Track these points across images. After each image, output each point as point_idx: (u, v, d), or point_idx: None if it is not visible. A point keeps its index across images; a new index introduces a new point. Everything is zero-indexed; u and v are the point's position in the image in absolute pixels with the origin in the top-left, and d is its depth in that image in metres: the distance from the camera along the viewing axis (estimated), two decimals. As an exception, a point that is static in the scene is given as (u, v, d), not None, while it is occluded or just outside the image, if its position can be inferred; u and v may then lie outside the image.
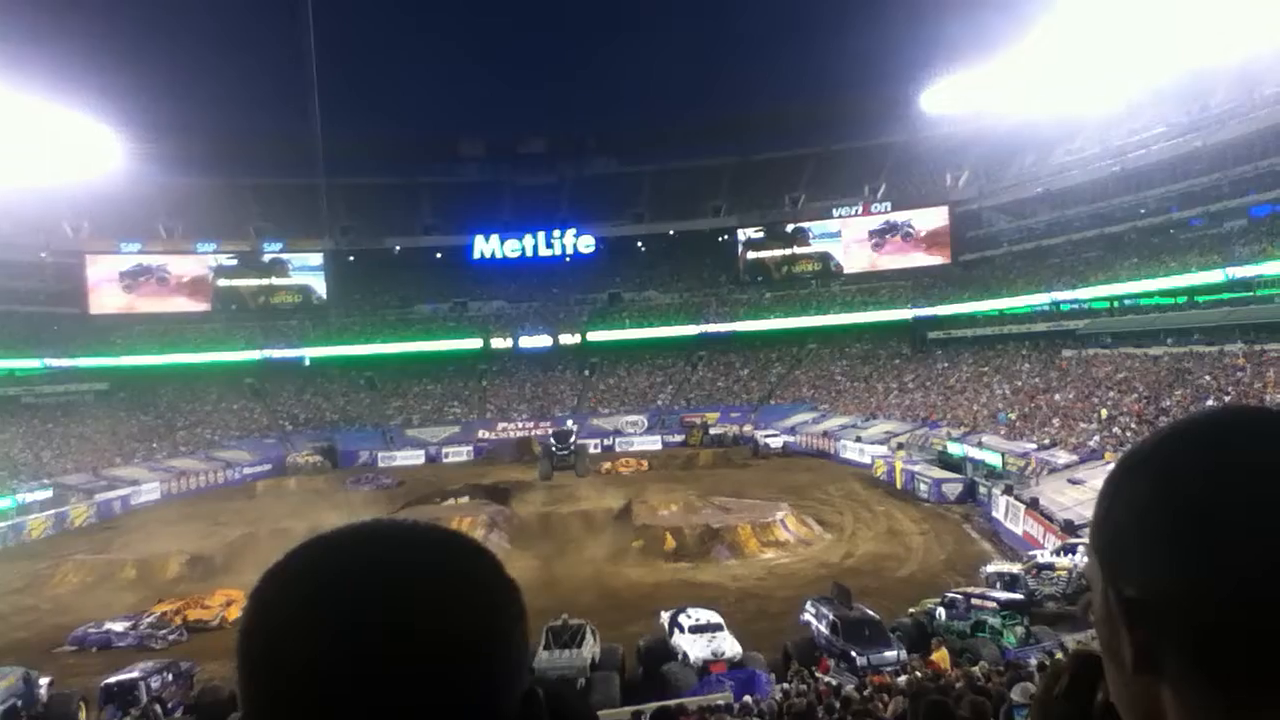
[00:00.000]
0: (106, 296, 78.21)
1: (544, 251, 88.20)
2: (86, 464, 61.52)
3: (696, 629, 23.75)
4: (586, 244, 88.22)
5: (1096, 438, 44.91)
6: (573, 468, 51.64)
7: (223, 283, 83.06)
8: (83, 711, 22.39)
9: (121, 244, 78.52)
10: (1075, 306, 63.99)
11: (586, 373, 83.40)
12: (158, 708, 20.89)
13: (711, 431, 69.54)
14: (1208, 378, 46.56)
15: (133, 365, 74.65)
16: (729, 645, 23.13)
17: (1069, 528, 31.67)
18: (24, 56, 64.84)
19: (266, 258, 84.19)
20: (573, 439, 46.53)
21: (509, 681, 0.96)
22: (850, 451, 59.42)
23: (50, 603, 34.04)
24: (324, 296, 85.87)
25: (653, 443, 70.37)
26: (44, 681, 23.08)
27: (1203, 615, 0.86)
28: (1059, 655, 21.32)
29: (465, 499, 47.51)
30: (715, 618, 24.56)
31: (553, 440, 44.61)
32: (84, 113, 68.13)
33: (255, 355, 79.55)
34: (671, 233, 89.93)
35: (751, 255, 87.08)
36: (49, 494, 53.44)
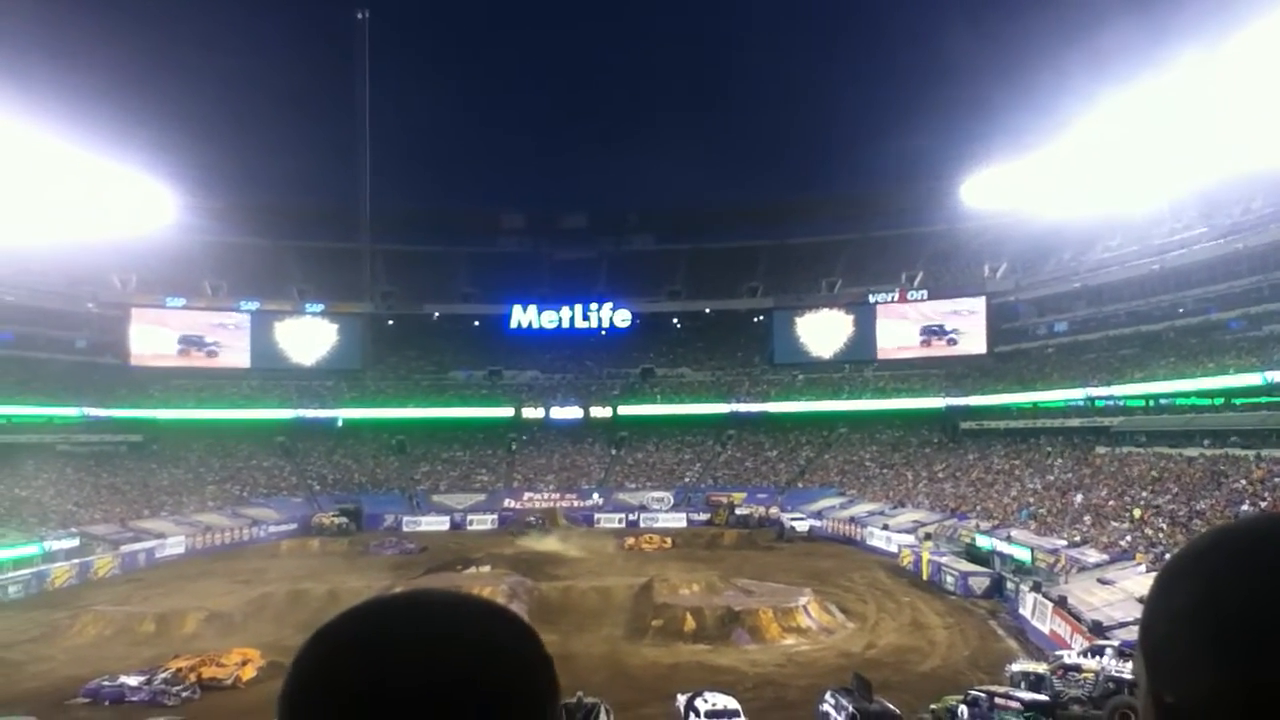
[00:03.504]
0: (149, 349, 79.25)
1: (580, 324, 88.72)
2: (115, 515, 61.98)
3: (712, 714, 23.35)
4: (623, 318, 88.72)
5: (1128, 538, 44.08)
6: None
7: (262, 341, 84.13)
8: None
9: (167, 299, 79.84)
10: (1110, 403, 63.33)
11: (614, 448, 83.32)
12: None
13: (737, 512, 68.96)
14: (1243, 482, 45.70)
15: (168, 419, 75.74)
16: (744, 733, 22.74)
17: (1097, 629, 30.98)
18: (86, 114, 67.07)
19: (307, 318, 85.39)
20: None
21: None
22: (877, 539, 58.68)
23: (66, 653, 34.01)
24: (361, 359, 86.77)
25: (678, 520, 70.00)
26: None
27: None
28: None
29: (487, 568, 47.32)
30: (732, 703, 24.11)
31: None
32: (140, 169, 70.22)
33: (289, 414, 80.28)
34: (707, 311, 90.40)
35: (785, 336, 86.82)
36: (75, 543, 53.60)
